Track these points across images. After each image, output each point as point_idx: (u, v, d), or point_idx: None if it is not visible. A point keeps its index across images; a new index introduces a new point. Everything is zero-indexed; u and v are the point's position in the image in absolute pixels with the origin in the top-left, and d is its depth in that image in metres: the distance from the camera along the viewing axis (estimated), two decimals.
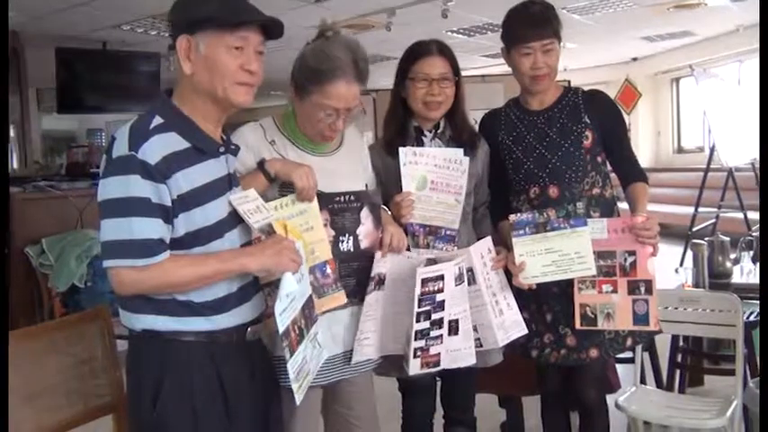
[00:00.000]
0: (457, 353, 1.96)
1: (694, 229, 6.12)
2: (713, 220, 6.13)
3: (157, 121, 1.51)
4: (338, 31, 1.87)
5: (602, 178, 2.18)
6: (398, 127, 2.17)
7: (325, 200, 1.85)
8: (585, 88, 2.26)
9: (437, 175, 2.06)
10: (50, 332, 1.98)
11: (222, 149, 1.61)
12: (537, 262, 2.00)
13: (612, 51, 9.01)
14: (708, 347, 3.26)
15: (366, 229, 1.91)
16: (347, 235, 1.89)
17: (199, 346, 1.54)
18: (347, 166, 1.98)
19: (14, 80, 6.01)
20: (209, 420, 1.54)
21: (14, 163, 6.62)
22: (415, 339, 1.87)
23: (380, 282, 1.93)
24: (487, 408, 2.85)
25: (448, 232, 2.08)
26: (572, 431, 2.43)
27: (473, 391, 2.30)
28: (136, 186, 1.44)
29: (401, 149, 2.04)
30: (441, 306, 1.88)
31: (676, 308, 2.65)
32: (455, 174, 2.07)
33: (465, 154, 2.08)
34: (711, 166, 6.22)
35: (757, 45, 3.59)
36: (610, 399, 2.36)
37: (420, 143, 2.15)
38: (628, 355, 2.59)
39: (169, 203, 1.47)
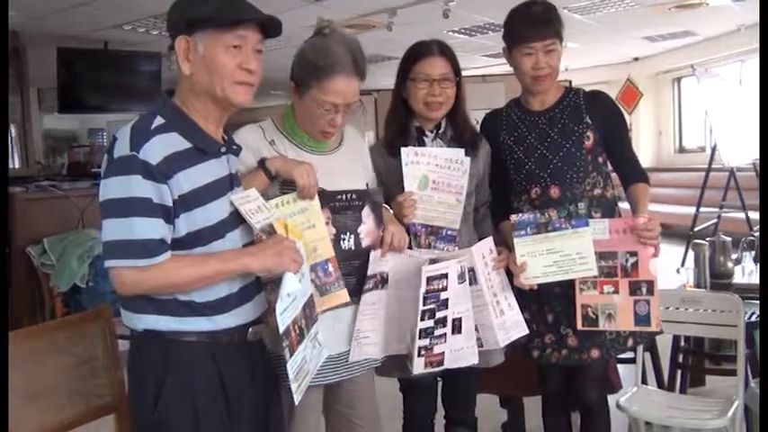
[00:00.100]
0: (460, 352, 1.96)
1: (696, 230, 6.10)
2: (715, 221, 6.12)
3: (159, 121, 1.51)
4: (335, 28, 1.87)
5: (604, 179, 2.18)
6: (400, 127, 2.17)
7: (327, 198, 1.85)
8: (587, 88, 2.27)
9: (438, 175, 2.06)
10: (52, 332, 1.98)
11: (224, 149, 1.61)
12: (538, 262, 2.00)
13: (614, 51, 8.99)
14: (709, 348, 3.25)
15: (367, 227, 1.91)
16: (348, 233, 1.89)
17: (200, 347, 1.54)
18: (347, 165, 1.98)
19: (16, 80, 6.01)
20: (211, 420, 1.54)
21: (16, 163, 6.61)
22: (420, 338, 1.87)
23: (383, 281, 1.93)
24: (488, 408, 2.85)
25: (449, 232, 2.08)
26: (573, 431, 2.43)
27: (474, 391, 2.30)
28: (137, 186, 1.44)
29: (403, 149, 2.04)
30: (444, 304, 1.88)
31: (678, 308, 2.65)
32: (456, 174, 2.06)
33: (466, 154, 2.08)
34: (713, 166, 6.20)
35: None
36: (611, 399, 2.36)
37: (422, 143, 2.15)
38: (629, 355, 2.59)
39: (170, 204, 1.47)
